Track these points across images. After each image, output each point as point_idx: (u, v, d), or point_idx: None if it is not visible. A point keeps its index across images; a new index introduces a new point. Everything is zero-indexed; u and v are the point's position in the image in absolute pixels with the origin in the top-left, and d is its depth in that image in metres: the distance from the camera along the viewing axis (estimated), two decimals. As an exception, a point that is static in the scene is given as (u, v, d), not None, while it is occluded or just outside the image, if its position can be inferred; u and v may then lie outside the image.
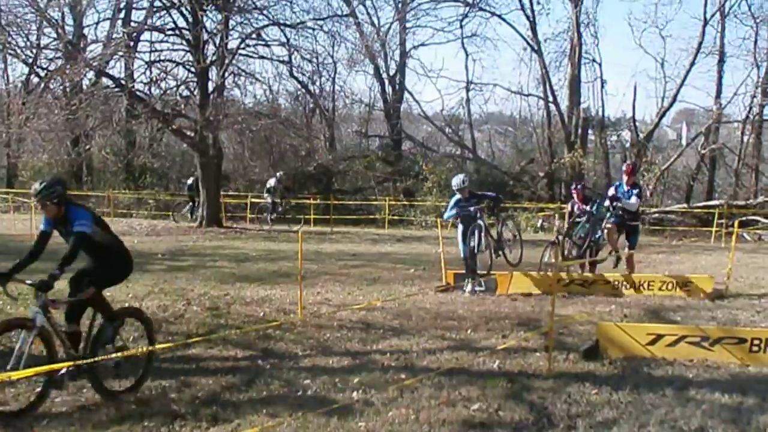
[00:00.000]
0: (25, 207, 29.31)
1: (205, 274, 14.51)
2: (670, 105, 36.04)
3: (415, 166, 35.41)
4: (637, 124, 36.94)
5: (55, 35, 25.98)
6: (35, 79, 31.43)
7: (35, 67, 29.65)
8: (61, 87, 28.35)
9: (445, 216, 13.28)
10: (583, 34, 35.40)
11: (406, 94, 38.55)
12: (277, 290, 12.50)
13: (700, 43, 33.86)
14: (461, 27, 37.60)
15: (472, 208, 12.55)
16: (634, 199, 12.97)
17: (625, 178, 13.26)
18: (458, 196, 12.77)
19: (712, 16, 33.78)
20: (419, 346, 8.74)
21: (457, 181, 12.84)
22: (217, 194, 27.99)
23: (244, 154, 33.27)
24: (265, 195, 27.75)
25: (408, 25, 37.29)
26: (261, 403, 6.54)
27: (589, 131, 37.16)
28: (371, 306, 10.74)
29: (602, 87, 37.04)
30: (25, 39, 26.09)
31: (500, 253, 13.00)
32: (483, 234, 12.51)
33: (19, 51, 26.50)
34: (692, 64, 34.12)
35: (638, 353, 7.99)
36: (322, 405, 6.31)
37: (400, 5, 37.07)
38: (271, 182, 27.70)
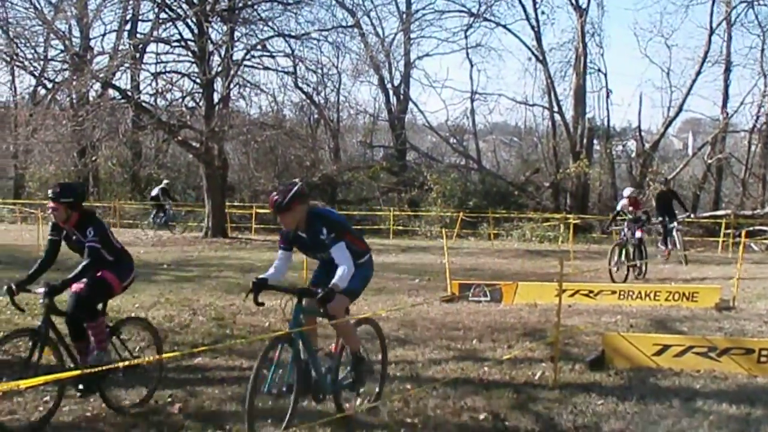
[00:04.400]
0: (32, 218, 29.36)
1: (211, 284, 14.52)
2: (676, 114, 35.97)
3: (419, 176, 35.36)
4: (642, 133, 36.84)
5: (62, 47, 26.20)
6: (42, 91, 31.72)
7: (42, 79, 29.83)
8: (68, 98, 28.50)
9: None
10: (588, 43, 35.30)
11: (411, 105, 38.57)
12: (282, 300, 12.47)
13: (706, 53, 33.73)
14: (466, 37, 37.55)
15: None
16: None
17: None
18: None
19: (718, 25, 33.65)
20: (424, 357, 8.72)
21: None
22: (223, 205, 28.04)
23: (249, 165, 33.29)
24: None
25: (412, 35, 37.28)
26: (267, 413, 6.52)
27: (595, 141, 37.08)
28: (376, 316, 10.71)
29: (607, 97, 36.83)
30: (32, 51, 26.24)
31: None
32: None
33: (26, 63, 26.62)
34: (698, 73, 34.01)
35: (644, 364, 7.95)
36: (327, 415, 6.30)
37: (404, 16, 37.16)
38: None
